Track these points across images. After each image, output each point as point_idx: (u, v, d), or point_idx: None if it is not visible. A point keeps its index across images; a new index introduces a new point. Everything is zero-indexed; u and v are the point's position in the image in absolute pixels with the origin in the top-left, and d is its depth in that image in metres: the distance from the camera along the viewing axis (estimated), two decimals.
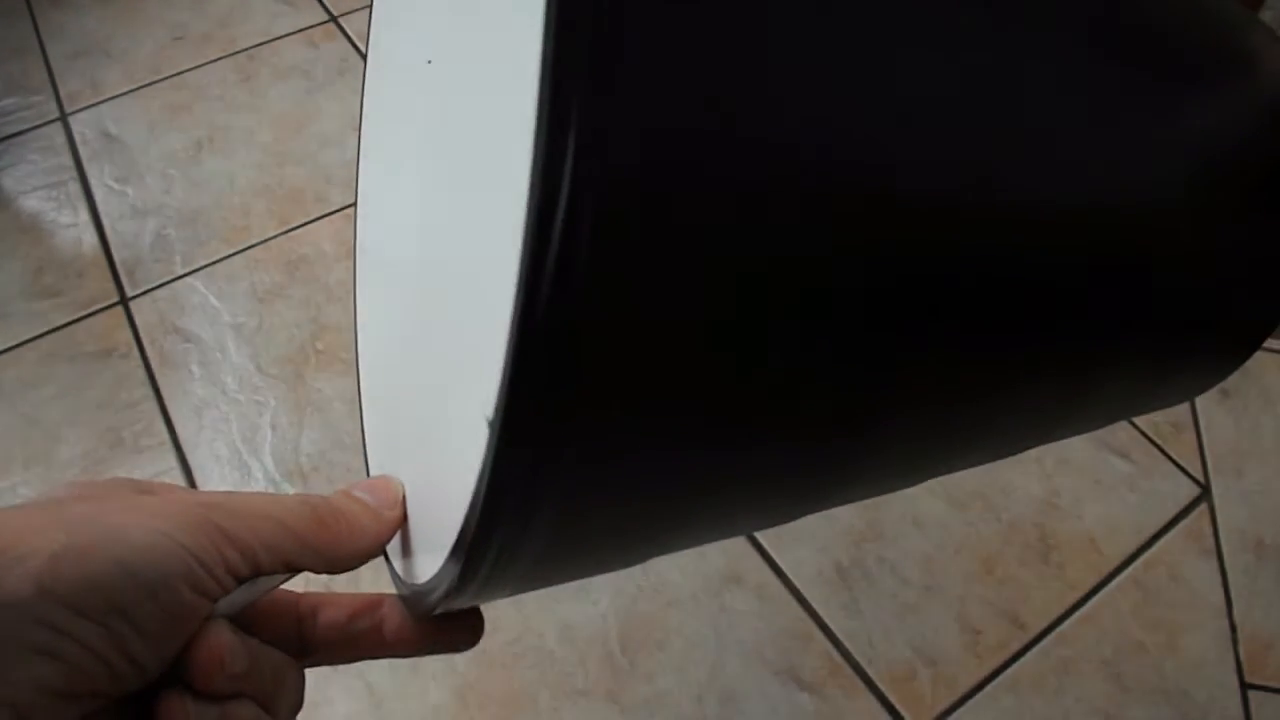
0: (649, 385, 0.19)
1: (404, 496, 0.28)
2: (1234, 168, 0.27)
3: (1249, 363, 0.90)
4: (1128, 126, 0.24)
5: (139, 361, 0.86)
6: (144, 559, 0.21)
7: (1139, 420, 0.83)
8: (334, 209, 0.97)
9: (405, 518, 0.28)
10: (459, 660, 0.70)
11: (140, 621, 0.21)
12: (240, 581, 0.24)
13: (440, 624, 0.28)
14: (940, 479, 0.80)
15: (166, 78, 1.14)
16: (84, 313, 0.90)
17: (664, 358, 0.18)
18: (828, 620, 0.71)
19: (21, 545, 0.20)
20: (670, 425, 0.20)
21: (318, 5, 1.22)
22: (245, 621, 0.25)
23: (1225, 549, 0.75)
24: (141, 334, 0.89)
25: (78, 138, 1.07)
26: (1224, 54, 0.27)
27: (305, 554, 0.25)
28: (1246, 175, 0.27)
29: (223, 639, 0.23)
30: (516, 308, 0.16)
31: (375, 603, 0.29)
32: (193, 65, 1.15)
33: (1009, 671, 0.68)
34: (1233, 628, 0.70)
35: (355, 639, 0.28)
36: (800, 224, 0.19)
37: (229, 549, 0.23)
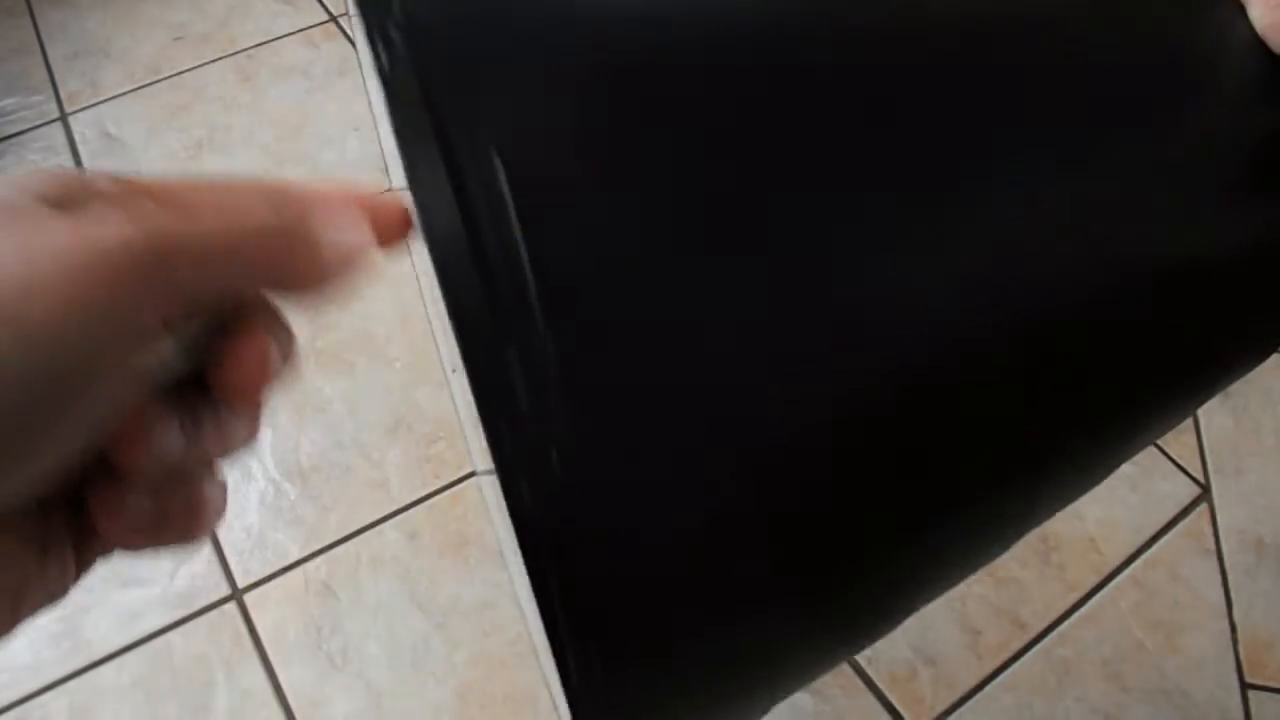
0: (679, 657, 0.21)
1: (407, 213, 0.21)
2: (1219, 181, 0.26)
3: None
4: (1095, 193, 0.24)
5: None
6: (49, 350, 0.15)
7: None
8: None
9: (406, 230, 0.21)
10: (459, 660, 0.70)
11: (42, 424, 0.15)
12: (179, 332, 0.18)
13: None
14: None
15: (166, 78, 1.14)
16: None
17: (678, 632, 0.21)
18: None
19: None
20: (705, 664, 0.22)
21: (318, 5, 1.22)
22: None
23: (1225, 549, 0.75)
24: None
25: (78, 138, 1.07)
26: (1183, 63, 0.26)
27: (264, 283, 0.19)
28: (1235, 180, 0.26)
29: (154, 427, 0.18)
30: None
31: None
32: (193, 65, 1.15)
33: (1009, 671, 0.68)
34: (1233, 628, 0.70)
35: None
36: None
37: (172, 305, 0.17)
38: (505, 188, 0.19)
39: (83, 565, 0.20)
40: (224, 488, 0.21)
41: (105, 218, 0.16)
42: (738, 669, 0.23)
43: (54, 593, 0.19)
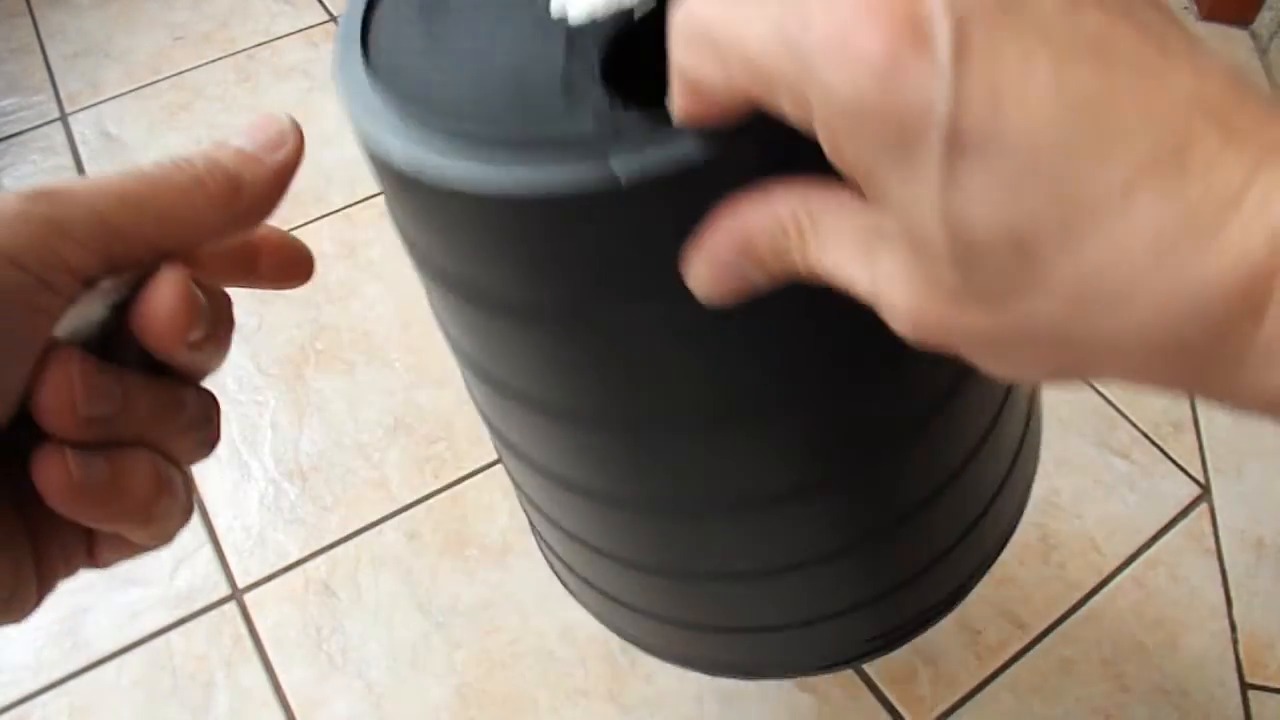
0: None
1: (292, 128, 0.23)
2: None
3: None
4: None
5: None
6: None
7: (1139, 420, 0.82)
8: (334, 209, 0.97)
9: (299, 152, 0.23)
10: (460, 660, 0.70)
11: None
12: (90, 285, 0.18)
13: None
14: None
15: (166, 78, 1.14)
16: None
17: None
18: None
19: None
20: None
21: (318, 5, 1.22)
22: (118, 334, 0.19)
23: (1225, 549, 0.75)
24: None
25: (78, 138, 1.07)
26: None
27: (172, 225, 0.19)
28: None
29: (71, 371, 0.18)
30: None
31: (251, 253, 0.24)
32: (193, 65, 1.15)
33: (1009, 671, 0.68)
34: (1233, 627, 0.70)
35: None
36: None
37: (71, 247, 0.17)
38: None
39: (45, 576, 0.19)
40: (189, 480, 0.21)
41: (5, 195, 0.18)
42: None
43: (9, 599, 0.19)
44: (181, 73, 1.14)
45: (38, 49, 1.17)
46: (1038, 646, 0.69)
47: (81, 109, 1.10)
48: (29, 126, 1.08)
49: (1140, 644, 0.69)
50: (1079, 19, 0.16)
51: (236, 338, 0.22)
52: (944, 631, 0.70)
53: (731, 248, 0.21)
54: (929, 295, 0.18)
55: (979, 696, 0.67)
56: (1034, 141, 0.15)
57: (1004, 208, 0.16)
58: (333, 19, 1.20)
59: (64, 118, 1.09)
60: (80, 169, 1.03)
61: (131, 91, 1.12)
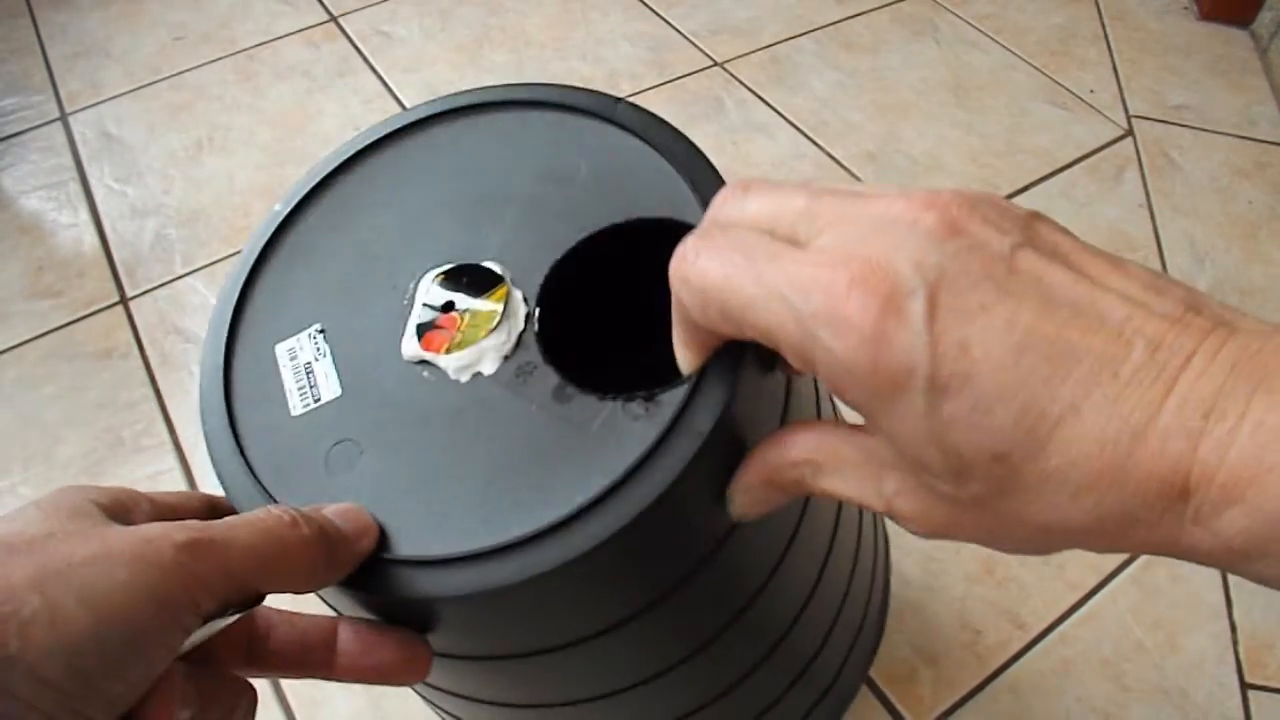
0: None
1: (374, 526, 0.28)
2: None
3: None
4: None
5: (139, 361, 0.86)
6: (116, 621, 0.20)
7: None
8: None
9: (373, 546, 0.28)
10: None
11: (102, 684, 0.20)
12: (207, 619, 0.23)
13: (391, 653, 0.28)
14: None
15: (166, 78, 1.14)
16: (84, 313, 0.90)
17: None
18: None
19: None
20: None
21: (318, 5, 1.22)
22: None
23: None
24: (141, 334, 0.89)
25: (78, 138, 1.07)
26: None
27: (280, 583, 0.24)
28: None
29: (174, 690, 0.22)
30: None
31: (329, 629, 0.28)
32: (193, 65, 1.15)
33: (1009, 671, 0.68)
34: (1233, 628, 0.70)
35: (305, 662, 0.28)
36: None
37: (203, 594, 0.22)
38: None
39: None
40: None
41: (154, 529, 0.22)
42: None
43: None
44: (181, 73, 1.14)
45: (38, 49, 1.17)
46: (1038, 646, 0.69)
47: (81, 109, 1.10)
48: (29, 126, 1.08)
49: (1140, 644, 0.69)
50: (1019, 267, 0.21)
51: None
52: (944, 631, 0.70)
53: (759, 480, 0.28)
54: (933, 504, 0.23)
55: (979, 696, 0.67)
56: (997, 379, 0.20)
57: (982, 432, 0.20)
58: (333, 19, 1.20)
59: (64, 118, 1.09)
60: (80, 169, 1.03)
61: (131, 91, 1.12)
